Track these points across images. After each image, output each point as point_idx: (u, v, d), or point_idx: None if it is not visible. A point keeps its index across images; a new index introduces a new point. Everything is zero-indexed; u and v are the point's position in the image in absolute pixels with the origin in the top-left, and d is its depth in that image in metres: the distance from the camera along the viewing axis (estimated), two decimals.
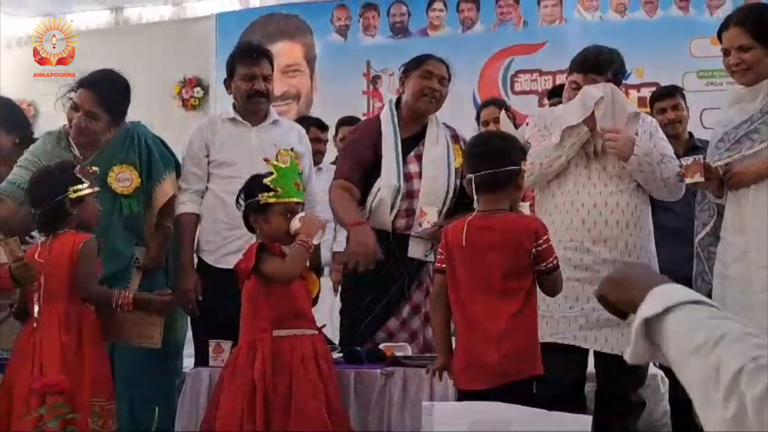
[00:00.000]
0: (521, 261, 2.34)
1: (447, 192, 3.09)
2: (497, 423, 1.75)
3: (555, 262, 2.37)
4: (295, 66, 6.62)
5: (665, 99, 3.89)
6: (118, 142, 3.25)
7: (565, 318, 2.76)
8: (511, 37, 6.10)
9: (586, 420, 1.79)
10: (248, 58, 3.34)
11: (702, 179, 2.70)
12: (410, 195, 3.05)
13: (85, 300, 2.69)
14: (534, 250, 2.33)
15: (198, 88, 6.75)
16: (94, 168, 2.84)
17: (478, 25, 6.26)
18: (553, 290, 2.44)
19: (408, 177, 3.06)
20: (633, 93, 5.89)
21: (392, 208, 3.02)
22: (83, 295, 2.67)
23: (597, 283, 2.70)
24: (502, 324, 2.30)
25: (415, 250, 3.03)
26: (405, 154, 3.09)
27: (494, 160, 2.41)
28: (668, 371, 3.50)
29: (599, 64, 2.95)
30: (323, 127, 4.66)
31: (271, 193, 2.53)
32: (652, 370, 3.52)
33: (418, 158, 3.10)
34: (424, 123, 3.17)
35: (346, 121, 4.71)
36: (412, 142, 3.13)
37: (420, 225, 2.98)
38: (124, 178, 3.21)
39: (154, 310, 2.72)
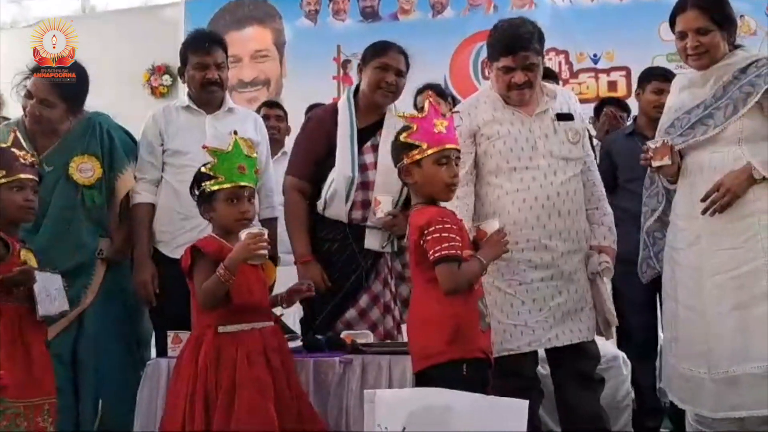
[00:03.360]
0: (420, 253, 2.32)
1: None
2: (437, 409, 1.78)
3: (436, 254, 2.25)
4: (265, 51, 6.60)
5: (668, 82, 3.77)
6: (79, 132, 3.21)
7: (538, 323, 2.73)
8: (482, 22, 6.04)
9: (523, 405, 1.81)
10: (200, 47, 3.28)
11: (669, 162, 2.68)
12: (366, 186, 3.00)
13: None
14: (423, 244, 2.28)
15: (167, 76, 6.72)
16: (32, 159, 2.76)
17: (449, 10, 6.25)
18: (442, 283, 2.27)
19: (364, 168, 3.00)
20: (603, 77, 5.91)
21: (347, 198, 2.97)
22: None
23: (559, 279, 2.75)
24: (413, 310, 2.43)
25: (372, 241, 2.99)
26: (361, 144, 3.04)
27: (393, 154, 2.45)
28: (630, 353, 3.55)
29: (523, 38, 2.74)
30: (271, 105, 4.67)
31: (212, 181, 2.49)
32: (615, 351, 3.55)
33: (375, 148, 3.03)
34: (383, 113, 3.11)
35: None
36: (369, 132, 3.07)
37: (374, 214, 2.94)
38: (85, 169, 3.17)
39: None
